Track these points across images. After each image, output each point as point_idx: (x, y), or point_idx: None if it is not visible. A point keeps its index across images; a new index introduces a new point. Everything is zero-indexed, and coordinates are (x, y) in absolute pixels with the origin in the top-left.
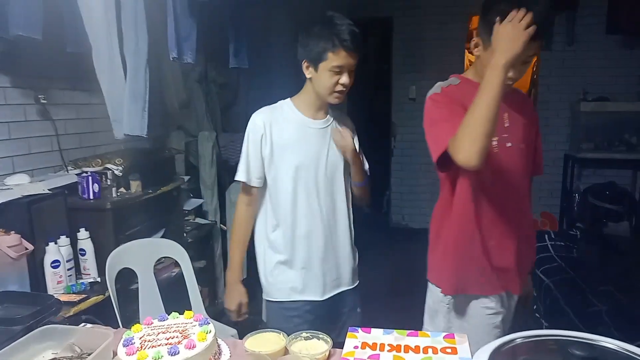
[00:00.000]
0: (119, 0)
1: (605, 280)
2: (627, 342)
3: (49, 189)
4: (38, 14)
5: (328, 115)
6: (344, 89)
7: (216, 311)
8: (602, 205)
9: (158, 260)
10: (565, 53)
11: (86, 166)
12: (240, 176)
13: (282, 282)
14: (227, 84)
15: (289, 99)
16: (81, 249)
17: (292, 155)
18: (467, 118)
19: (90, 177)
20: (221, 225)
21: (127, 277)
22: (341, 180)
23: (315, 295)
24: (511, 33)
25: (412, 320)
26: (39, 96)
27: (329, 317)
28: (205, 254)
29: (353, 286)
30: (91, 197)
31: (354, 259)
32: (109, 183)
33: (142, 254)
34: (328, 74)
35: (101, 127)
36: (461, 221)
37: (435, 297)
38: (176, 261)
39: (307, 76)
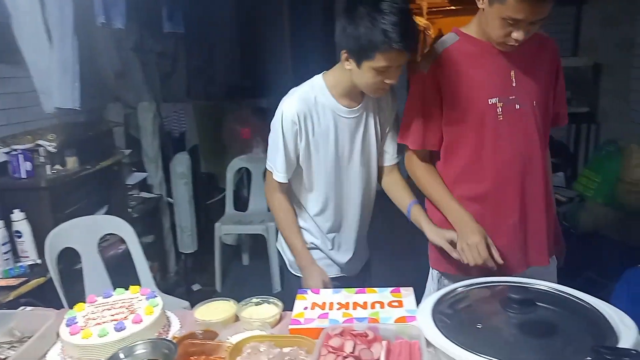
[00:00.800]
0: None
1: None
2: (561, 284)
3: None
4: None
5: (362, 102)
6: (388, 87)
7: (167, 285)
8: None
9: (102, 238)
10: None
11: (16, 144)
12: (279, 177)
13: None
14: (164, 52)
15: (320, 78)
16: (16, 231)
17: (327, 147)
18: (424, 188)
19: (21, 155)
20: (168, 198)
21: (70, 257)
22: (375, 168)
23: (346, 272)
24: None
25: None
26: None
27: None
28: (153, 229)
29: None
30: (23, 175)
31: None
32: (42, 160)
33: (83, 233)
34: (373, 72)
35: (30, 101)
36: (469, 201)
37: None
38: (122, 237)
39: (346, 67)
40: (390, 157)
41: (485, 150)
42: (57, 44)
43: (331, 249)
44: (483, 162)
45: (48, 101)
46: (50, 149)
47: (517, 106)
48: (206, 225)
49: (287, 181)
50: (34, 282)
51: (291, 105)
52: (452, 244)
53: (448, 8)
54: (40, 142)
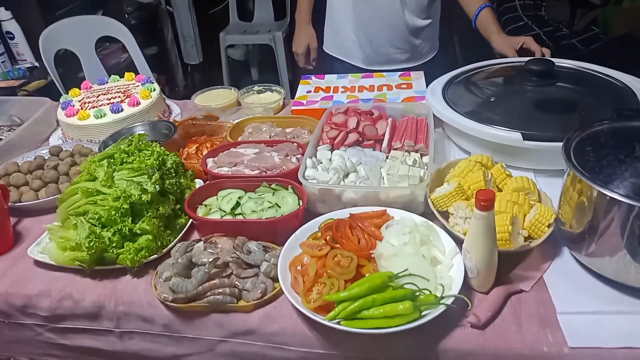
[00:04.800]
0: None
1: (571, 35)
2: None
3: None
4: None
5: None
6: None
7: (176, 97)
8: None
9: (103, 46)
10: None
11: None
12: None
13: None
14: None
15: None
16: (7, 32)
17: None
18: None
19: None
20: (167, 7)
21: (72, 64)
22: None
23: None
24: None
25: None
26: None
27: None
28: (155, 39)
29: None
30: None
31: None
32: None
33: (78, 33)
34: None
35: None
36: None
37: None
38: (124, 46)
39: None
40: None
41: None
42: None
43: (361, 37)
44: None
45: None
46: None
47: None
48: (210, 37)
49: None
50: (35, 84)
51: None
52: (521, 52)
53: None
54: None
